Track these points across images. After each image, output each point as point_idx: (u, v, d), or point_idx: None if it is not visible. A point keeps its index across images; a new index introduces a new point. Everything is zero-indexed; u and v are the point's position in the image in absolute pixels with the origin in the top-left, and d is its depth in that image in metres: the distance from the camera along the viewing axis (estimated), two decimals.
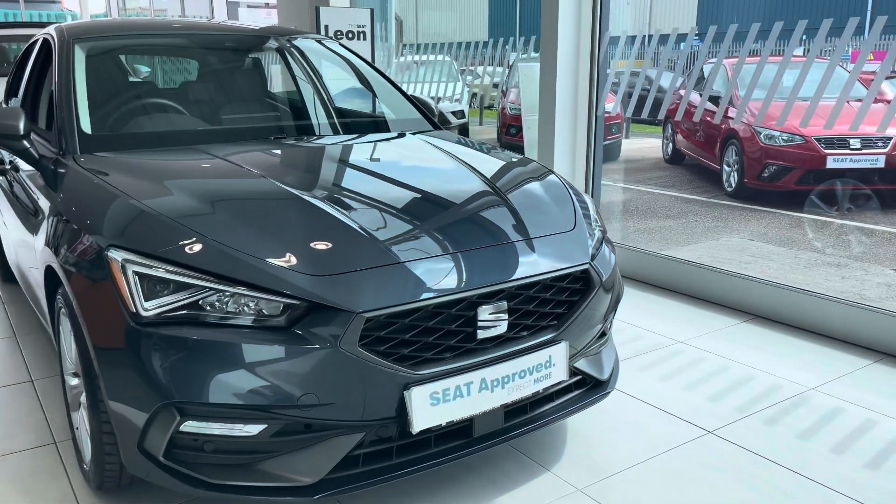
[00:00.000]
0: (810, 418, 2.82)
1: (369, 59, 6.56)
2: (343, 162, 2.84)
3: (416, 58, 11.38)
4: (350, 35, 6.44)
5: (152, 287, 1.91)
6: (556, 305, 2.28)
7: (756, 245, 6.09)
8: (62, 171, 2.53)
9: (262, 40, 3.64)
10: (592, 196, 4.81)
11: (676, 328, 3.77)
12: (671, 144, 9.61)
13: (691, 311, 4.04)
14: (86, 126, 2.76)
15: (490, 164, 2.87)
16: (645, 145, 11.52)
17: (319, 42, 3.79)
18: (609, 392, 2.53)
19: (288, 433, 1.94)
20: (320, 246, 2.03)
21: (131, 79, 3.33)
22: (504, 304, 2.10)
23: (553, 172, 2.86)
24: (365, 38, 6.51)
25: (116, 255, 1.96)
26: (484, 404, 2.10)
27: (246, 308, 1.90)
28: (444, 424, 2.06)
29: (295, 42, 3.74)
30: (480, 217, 2.37)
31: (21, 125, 2.67)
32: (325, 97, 3.63)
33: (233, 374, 1.85)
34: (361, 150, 2.99)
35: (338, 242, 2.06)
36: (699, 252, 5.81)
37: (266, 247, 1.98)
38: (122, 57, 3.41)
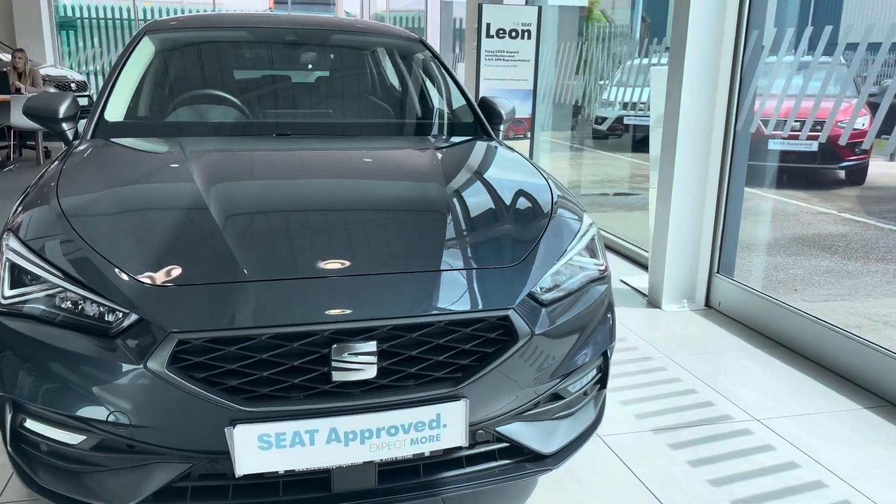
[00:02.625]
0: None
1: (532, 58, 6.24)
2: (302, 165, 2.58)
3: (647, 61, 10.65)
4: (513, 34, 6.16)
5: (19, 277, 1.89)
6: (462, 355, 1.87)
7: None
8: (63, 154, 2.65)
9: (329, 35, 3.53)
10: (724, 229, 4.04)
11: (767, 401, 3.00)
12: None
13: (807, 383, 3.20)
14: (111, 112, 2.87)
15: (478, 185, 2.48)
16: None
17: (392, 40, 3.59)
18: (549, 470, 2.05)
19: (109, 450, 1.80)
20: (175, 257, 1.86)
21: (200, 69, 3.41)
22: (369, 346, 1.76)
23: (552, 192, 2.38)
24: (529, 38, 6.19)
25: (5, 240, 1.98)
26: (332, 458, 1.78)
27: (89, 312, 1.80)
28: (281, 472, 1.79)
29: (366, 39, 3.59)
30: (388, 240, 2.03)
31: (61, 109, 2.84)
32: (381, 98, 3.43)
33: (50, 377, 1.76)
34: (341, 155, 2.71)
35: (195, 255, 1.87)
36: (890, 309, 4.66)
37: (124, 253, 1.86)
38: (205, 49, 3.50)
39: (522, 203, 2.31)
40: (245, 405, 1.72)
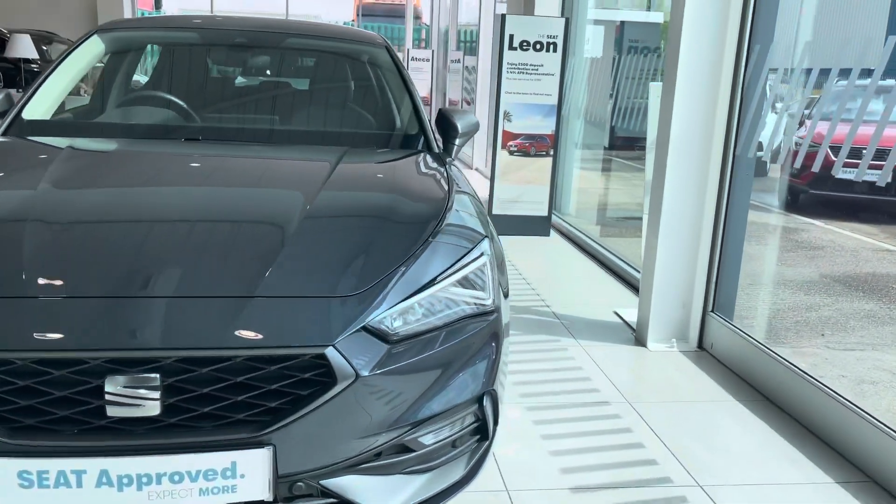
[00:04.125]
0: None
1: (558, 72, 5.91)
2: (165, 173, 2.39)
3: None
4: (538, 46, 5.87)
5: None
6: (271, 396, 1.63)
7: None
8: None
9: (282, 39, 3.36)
10: (721, 263, 3.62)
11: (722, 464, 2.60)
12: None
13: (781, 447, 2.77)
14: (33, 110, 2.78)
15: (355, 202, 2.23)
16: None
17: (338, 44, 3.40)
18: None
19: None
20: None
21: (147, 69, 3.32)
22: (151, 379, 1.55)
23: (444, 215, 2.10)
24: (555, 50, 5.88)
25: None
26: None
27: None
28: None
29: (321, 44, 3.40)
30: (201, 260, 1.80)
31: None
32: (319, 104, 3.22)
33: None
34: (223, 163, 2.51)
35: None
36: None
37: None
38: (149, 51, 3.39)
39: (396, 226, 2.04)
40: (2, 436, 1.54)
